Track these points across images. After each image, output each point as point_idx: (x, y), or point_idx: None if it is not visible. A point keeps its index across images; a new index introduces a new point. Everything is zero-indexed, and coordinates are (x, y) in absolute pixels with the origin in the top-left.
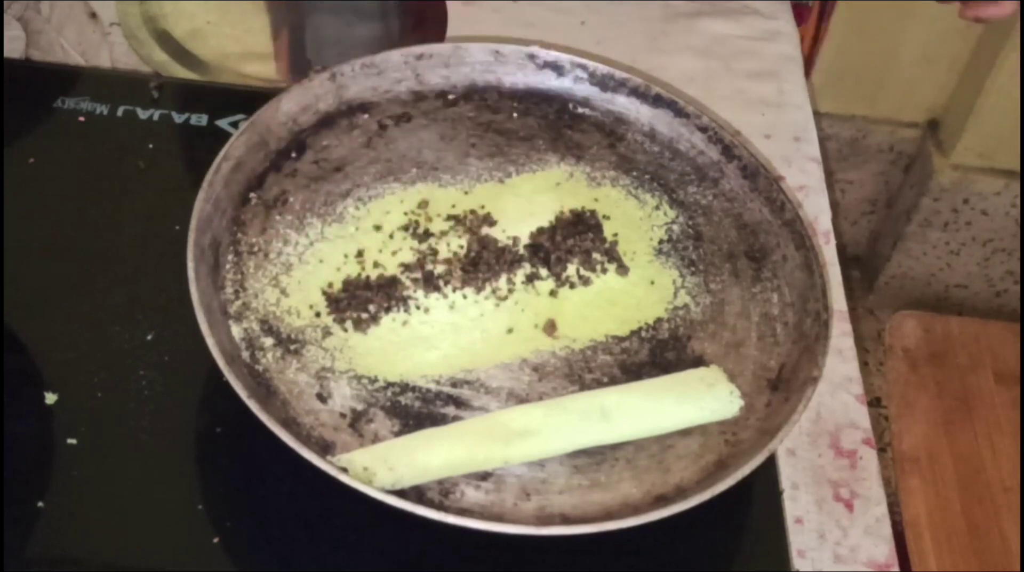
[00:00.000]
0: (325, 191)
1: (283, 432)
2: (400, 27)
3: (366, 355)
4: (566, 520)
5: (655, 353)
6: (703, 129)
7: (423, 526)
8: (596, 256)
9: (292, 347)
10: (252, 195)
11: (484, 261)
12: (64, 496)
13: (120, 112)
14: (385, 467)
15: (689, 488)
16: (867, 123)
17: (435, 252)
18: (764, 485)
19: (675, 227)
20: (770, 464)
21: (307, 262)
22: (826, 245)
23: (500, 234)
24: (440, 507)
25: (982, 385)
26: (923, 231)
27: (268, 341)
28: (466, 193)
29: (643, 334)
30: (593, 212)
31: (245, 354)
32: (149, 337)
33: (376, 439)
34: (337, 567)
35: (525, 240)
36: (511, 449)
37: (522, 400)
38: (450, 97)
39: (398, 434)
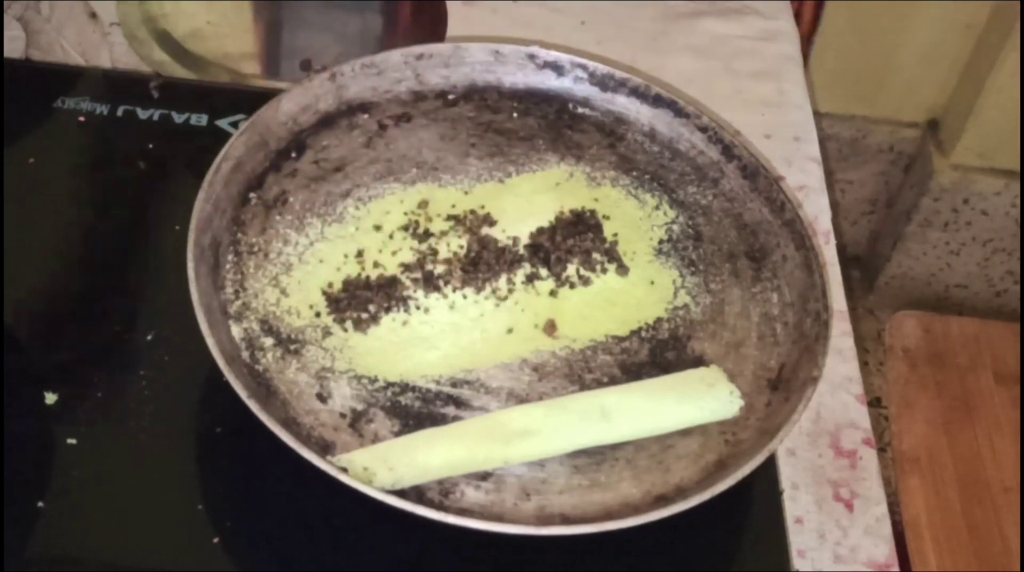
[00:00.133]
0: (325, 191)
1: (283, 432)
2: (384, 24)
3: (366, 355)
4: (566, 520)
5: (655, 353)
6: (703, 129)
7: (423, 526)
8: (596, 256)
9: (292, 347)
10: (252, 195)
11: (484, 261)
12: (64, 496)
13: (120, 112)
14: (385, 467)
15: (689, 488)
16: (867, 123)
17: (435, 252)
18: (764, 485)
19: (675, 227)
20: (770, 464)
21: (307, 262)
22: (826, 245)
23: (500, 234)
24: (440, 507)
25: (982, 385)
26: (923, 231)
27: (268, 341)
28: (466, 193)
29: (643, 334)
30: (593, 212)
31: (245, 354)
32: (149, 337)
33: (376, 439)
34: (337, 567)
35: (525, 240)
36: (511, 449)
37: (522, 400)
38: (450, 97)
39: (398, 434)
